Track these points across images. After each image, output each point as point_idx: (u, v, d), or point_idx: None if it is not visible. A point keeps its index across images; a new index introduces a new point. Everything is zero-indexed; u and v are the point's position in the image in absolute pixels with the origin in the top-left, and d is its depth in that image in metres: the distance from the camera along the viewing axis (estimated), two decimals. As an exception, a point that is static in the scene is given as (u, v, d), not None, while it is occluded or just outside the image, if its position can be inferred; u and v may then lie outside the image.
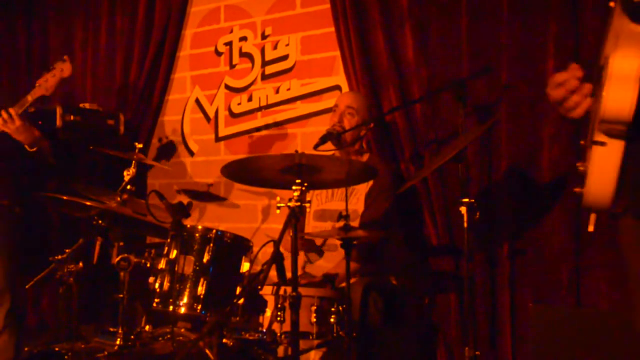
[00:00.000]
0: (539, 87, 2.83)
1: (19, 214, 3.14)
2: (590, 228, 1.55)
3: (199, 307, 2.29)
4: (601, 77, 1.38)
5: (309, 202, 2.17)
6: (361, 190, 2.88)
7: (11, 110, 2.88)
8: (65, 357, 2.17)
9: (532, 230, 2.84)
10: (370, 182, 2.83)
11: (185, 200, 2.95)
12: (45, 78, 2.84)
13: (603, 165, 1.40)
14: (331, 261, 2.87)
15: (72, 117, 3.72)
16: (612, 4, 1.43)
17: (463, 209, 2.41)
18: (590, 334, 2.33)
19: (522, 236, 2.86)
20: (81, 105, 3.98)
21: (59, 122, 3.66)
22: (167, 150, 4.11)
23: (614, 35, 1.39)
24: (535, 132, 2.84)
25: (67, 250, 2.48)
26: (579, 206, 2.66)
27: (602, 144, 1.39)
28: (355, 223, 2.83)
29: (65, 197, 2.59)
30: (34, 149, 2.98)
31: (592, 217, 1.55)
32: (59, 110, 3.68)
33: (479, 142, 2.92)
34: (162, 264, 2.36)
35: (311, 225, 3.00)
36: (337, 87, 3.50)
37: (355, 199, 2.89)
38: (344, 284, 2.42)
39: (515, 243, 2.86)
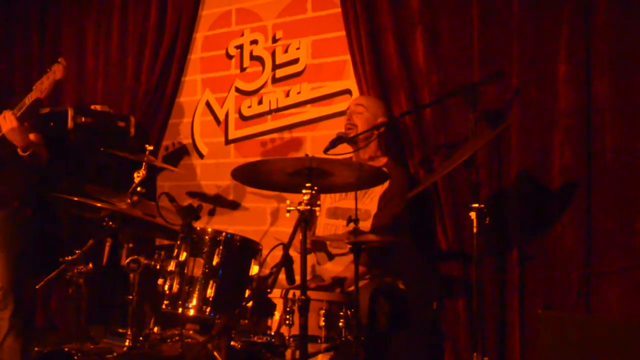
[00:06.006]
0: (550, 92, 2.82)
1: (29, 216, 3.15)
2: None
3: (208, 310, 2.30)
4: None
5: (319, 205, 2.17)
6: (375, 190, 2.88)
7: (9, 111, 2.90)
8: (75, 357, 2.18)
9: (542, 236, 2.82)
10: (386, 185, 2.83)
11: (195, 202, 2.95)
12: (41, 81, 2.88)
13: None
14: (341, 264, 2.87)
15: (83, 119, 3.74)
16: None
17: (473, 214, 2.40)
18: (600, 341, 2.31)
19: (532, 242, 2.84)
20: (92, 106, 4.01)
21: (70, 124, 3.69)
22: (177, 155, 4.10)
23: None
24: (545, 138, 2.82)
25: (77, 251, 2.49)
26: (589, 211, 2.68)
27: None
28: (367, 223, 2.84)
29: (76, 198, 2.60)
30: (27, 153, 2.98)
31: None
32: (70, 112, 3.70)
33: (489, 147, 2.91)
34: (171, 266, 2.37)
35: (323, 223, 3.01)
36: (348, 91, 3.50)
37: (369, 199, 2.90)
38: (352, 288, 2.42)
39: (524, 249, 2.85)
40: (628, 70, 2.69)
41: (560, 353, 2.37)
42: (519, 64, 2.89)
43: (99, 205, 2.57)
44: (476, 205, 2.40)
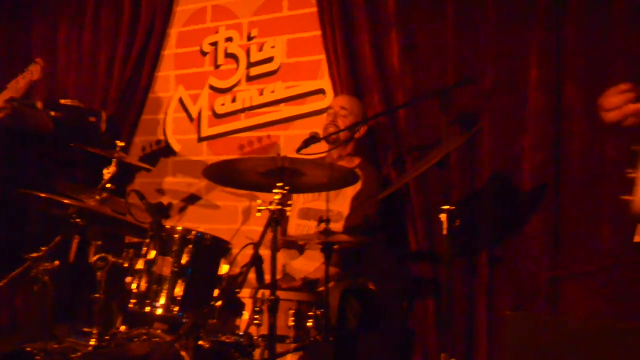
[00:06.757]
0: (521, 96, 2.85)
1: None
2: (637, 239, 1.52)
3: (176, 309, 2.28)
4: None
5: (290, 205, 2.16)
6: (348, 192, 2.88)
7: None
8: (37, 357, 2.12)
9: (512, 238, 2.85)
10: (359, 186, 2.83)
11: (166, 200, 2.92)
12: (17, 80, 2.84)
13: None
14: (312, 259, 2.86)
15: (52, 114, 3.67)
16: None
17: (443, 217, 2.41)
18: (567, 342, 2.34)
19: (502, 244, 2.87)
20: (62, 101, 3.93)
21: (39, 118, 3.61)
22: (156, 156, 4.04)
23: None
24: (517, 141, 2.86)
25: (43, 248, 2.44)
26: (558, 215, 2.72)
27: None
28: (339, 225, 2.83)
29: (43, 195, 2.55)
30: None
31: (639, 227, 1.52)
32: (39, 106, 3.63)
33: (461, 149, 2.93)
34: (140, 265, 2.34)
35: (295, 224, 3.00)
36: (322, 91, 3.50)
37: (342, 200, 2.89)
38: (323, 288, 2.41)
39: (494, 251, 2.88)
40: (598, 76, 2.73)
41: (527, 354, 2.38)
42: (492, 68, 2.92)
43: (66, 201, 2.52)
44: (447, 207, 2.42)
